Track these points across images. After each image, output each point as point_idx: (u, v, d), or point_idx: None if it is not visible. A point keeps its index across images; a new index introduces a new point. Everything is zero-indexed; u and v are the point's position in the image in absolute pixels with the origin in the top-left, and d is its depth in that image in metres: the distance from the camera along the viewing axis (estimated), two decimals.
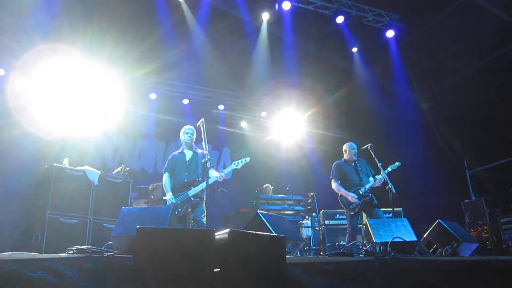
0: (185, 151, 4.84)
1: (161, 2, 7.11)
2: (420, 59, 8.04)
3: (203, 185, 4.46)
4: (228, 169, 4.69)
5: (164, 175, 4.77)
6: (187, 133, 4.79)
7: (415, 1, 7.24)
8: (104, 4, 6.78)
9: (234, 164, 4.67)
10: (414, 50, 8.04)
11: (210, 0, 7.20)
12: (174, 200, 4.52)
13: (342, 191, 5.22)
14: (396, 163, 5.19)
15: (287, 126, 10.75)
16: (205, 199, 4.53)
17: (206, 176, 4.28)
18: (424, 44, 7.96)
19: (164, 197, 4.65)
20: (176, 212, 4.49)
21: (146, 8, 7.08)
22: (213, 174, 4.56)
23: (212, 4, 7.31)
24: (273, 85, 9.25)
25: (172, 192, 4.60)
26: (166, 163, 4.85)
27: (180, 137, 4.89)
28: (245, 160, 4.72)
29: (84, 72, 8.14)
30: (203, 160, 4.24)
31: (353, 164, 5.35)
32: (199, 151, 4.78)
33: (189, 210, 4.57)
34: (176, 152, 4.91)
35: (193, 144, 4.83)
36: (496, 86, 7.23)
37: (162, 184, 4.83)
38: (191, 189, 4.55)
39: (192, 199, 4.52)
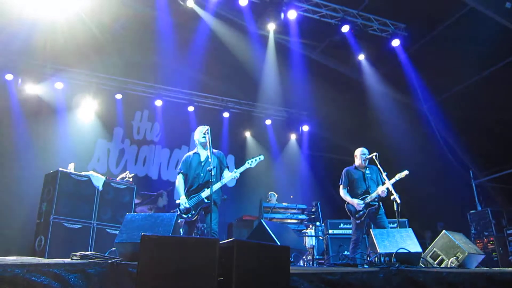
0: (199, 151, 4.64)
1: (165, 7, 7.12)
2: (426, 67, 8.03)
3: (216, 186, 4.28)
4: (242, 169, 4.43)
5: (178, 176, 4.56)
6: (202, 132, 4.57)
7: (420, 10, 7.26)
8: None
9: (248, 162, 4.44)
10: (420, 58, 8.04)
11: (216, 8, 7.26)
12: (187, 205, 4.32)
13: (348, 198, 5.18)
14: (405, 171, 5.09)
15: (292, 133, 10.78)
16: (219, 204, 4.40)
17: (218, 178, 4.19)
18: (430, 52, 7.95)
19: (176, 201, 4.47)
20: (190, 215, 4.33)
21: (150, 13, 7.11)
22: (227, 175, 4.44)
23: (218, 13, 7.38)
24: (279, 92, 9.29)
25: (185, 195, 4.42)
26: (180, 164, 4.64)
27: (194, 137, 4.72)
28: (259, 158, 4.47)
29: (91, 78, 8.25)
30: (208, 168, 4.12)
31: (363, 170, 5.30)
32: (214, 151, 4.56)
33: (198, 217, 4.41)
34: (191, 152, 4.72)
35: (207, 144, 4.49)
36: (504, 94, 7.18)
37: (165, 192, 4.73)
38: (204, 190, 4.35)
39: (206, 201, 4.30)
